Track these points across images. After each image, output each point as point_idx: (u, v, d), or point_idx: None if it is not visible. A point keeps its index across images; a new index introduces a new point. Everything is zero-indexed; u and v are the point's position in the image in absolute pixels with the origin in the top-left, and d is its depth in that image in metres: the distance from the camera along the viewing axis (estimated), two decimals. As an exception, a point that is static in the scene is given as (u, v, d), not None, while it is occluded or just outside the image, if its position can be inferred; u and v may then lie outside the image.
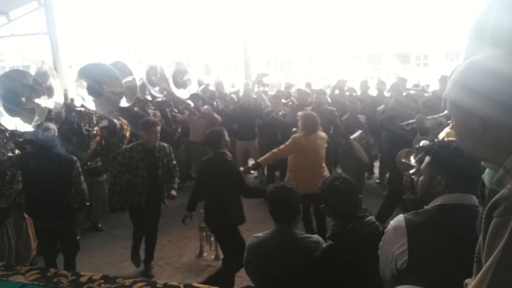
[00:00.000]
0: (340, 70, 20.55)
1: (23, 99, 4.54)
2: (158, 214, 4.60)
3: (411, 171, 2.63)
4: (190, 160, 7.67)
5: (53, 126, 4.12)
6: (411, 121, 4.46)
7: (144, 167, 4.26)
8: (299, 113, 5.05)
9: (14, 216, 4.32)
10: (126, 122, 6.05)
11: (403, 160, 2.85)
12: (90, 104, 5.50)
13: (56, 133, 4.15)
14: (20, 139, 4.63)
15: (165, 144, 4.47)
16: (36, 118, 4.57)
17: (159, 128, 4.38)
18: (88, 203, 4.43)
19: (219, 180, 3.84)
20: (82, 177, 4.11)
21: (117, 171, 4.37)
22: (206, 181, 4.00)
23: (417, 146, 3.84)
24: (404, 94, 6.57)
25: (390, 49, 25.94)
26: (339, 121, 6.15)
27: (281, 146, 4.69)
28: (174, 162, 4.54)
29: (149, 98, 7.17)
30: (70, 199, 4.02)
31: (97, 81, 5.58)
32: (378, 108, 6.49)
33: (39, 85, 4.75)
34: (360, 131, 5.66)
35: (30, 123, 4.48)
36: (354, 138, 5.57)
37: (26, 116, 4.48)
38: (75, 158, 4.06)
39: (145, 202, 4.34)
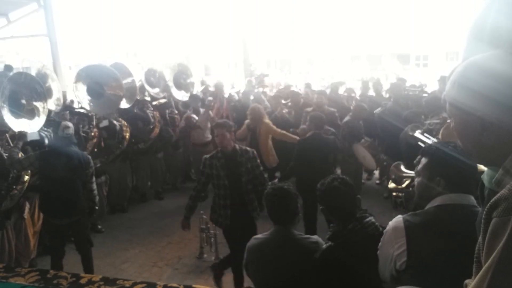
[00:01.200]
0: (339, 70, 20.53)
1: (23, 101, 4.52)
2: (252, 230, 3.83)
3: (404, 185, 2.64)
4: (190, 161, 7.64)
5: (71, 125, 4.21)
6: (435, 120, 4.46)
7: (226, 175, 3.82)
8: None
9: (14, 217, 4.33)
10: (125, 123, 6.06)
11: (401, 174, 2.84)
12: (89, 105, 5.51)
13: (73, 132, 4.22)
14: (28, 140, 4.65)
15: (247, 148, 4.07)
16: (40, 118, 4.55)
17: (223, 129, 3.86)
18: (97, 207, 4.40)
19: (324, 153, 4.77)
20: (94, 178, 4.21)
21: (201, 183, 3.96)
22: (307, 159, 4.69)
23: (411, 133, 3.83)
24: (403, 94, 6.54)
25: (390, 50, 25.94)
26: (341, 123, 6.05)
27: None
28: (261, 168, 4.07)
29: (148, 99, 7.18)
30: (84, 196, 4.13)
31: (98, 82, 5.59)
32: (375, 112, 6.43)
33: (39, 86, 4.68)
34: (369, 139, 5.60)
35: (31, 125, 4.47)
36: (363, 145, 5.50)
37: (27, 118, 4.46)
38: (90, 157, 4.20)
39: (231, 216, 3.85)
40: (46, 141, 4.64)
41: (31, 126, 4.42)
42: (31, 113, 4.53)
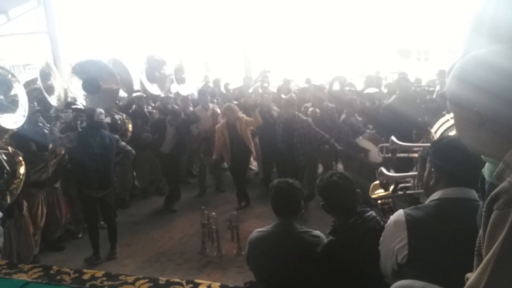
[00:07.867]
0: (339, 65, 20.43)
1: (1, 97, 4.42)
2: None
3: (390, 190, 2.62)
4: (190, 158, 7.61)
5: (104, 111, 4.89)
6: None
7: None
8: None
9: (14, 216, 4.32)
10: (126, 116, 6.08)
11: (390, 177, 2.75)
12: (85, 101, 5.49)
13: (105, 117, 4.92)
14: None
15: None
16: (24, 108, 4.46)
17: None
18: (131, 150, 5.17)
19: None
20: (123, 143, 5.05)
21: None
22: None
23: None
24: (411, 90, 6.42)
25: (390, 45, 25.83)
26: (340, 123, 5.96)
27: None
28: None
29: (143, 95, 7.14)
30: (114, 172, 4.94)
31: (93, 77, 5.57)
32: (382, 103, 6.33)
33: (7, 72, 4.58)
34: (372, 131, 5.49)
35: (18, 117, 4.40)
36: (365, 138, 5.39)
37: (11, 110, 4.39)
38: (118, 136, 5.02)
39: None
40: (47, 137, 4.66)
41: (13, 120, 4.35)
42: (15, 103, 4.42)
